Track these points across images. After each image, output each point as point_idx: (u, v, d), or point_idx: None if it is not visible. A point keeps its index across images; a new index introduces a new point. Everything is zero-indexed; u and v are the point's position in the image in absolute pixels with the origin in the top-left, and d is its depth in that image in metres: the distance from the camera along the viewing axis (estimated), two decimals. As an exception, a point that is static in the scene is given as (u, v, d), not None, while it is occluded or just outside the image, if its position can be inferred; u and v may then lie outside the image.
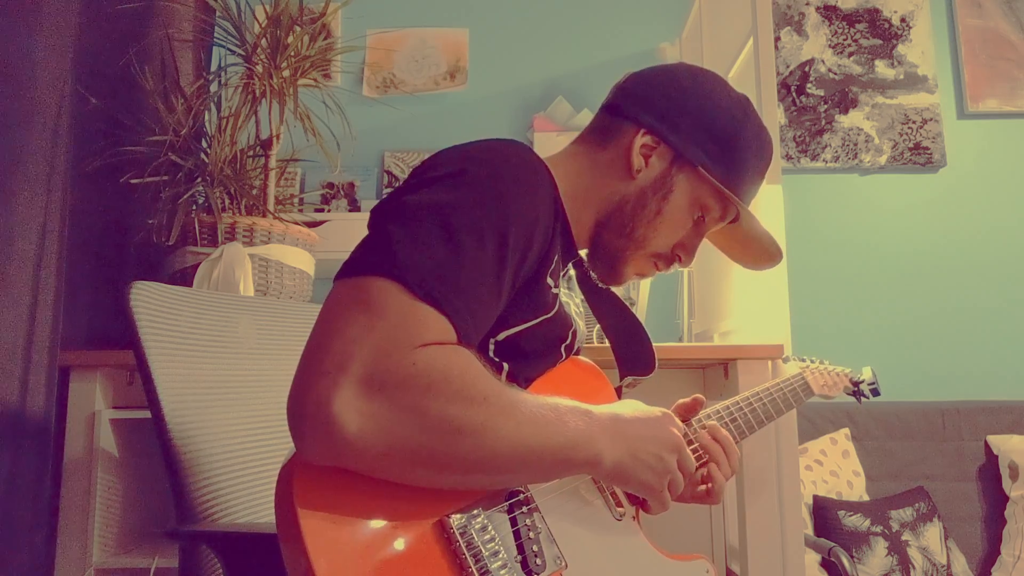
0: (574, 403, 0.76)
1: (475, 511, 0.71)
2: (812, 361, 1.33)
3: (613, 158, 0.92)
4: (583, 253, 0.99)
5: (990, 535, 2.31)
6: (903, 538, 2.13)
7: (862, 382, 1.39)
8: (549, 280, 0.84)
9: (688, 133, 0.91)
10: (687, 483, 0.87)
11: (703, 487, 0.94)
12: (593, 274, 0.99)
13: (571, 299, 1.01)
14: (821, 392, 1.27)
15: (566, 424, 0.73)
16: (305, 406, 0.62)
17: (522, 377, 0.85)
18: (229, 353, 1.07)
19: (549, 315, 0.84)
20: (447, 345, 0.68)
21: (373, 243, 0.72)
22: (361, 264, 0.69)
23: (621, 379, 1.05)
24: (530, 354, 0.85)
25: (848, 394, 1.38)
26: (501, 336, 0.81)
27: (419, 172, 0.79)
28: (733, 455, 0.95)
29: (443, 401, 0.64)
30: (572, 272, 1.04)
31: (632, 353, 1.05)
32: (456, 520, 0.69)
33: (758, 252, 1.02)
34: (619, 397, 0.99)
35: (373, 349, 0.63)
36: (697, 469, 0.93)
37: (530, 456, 0.70)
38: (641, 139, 0.91)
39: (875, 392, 1.39)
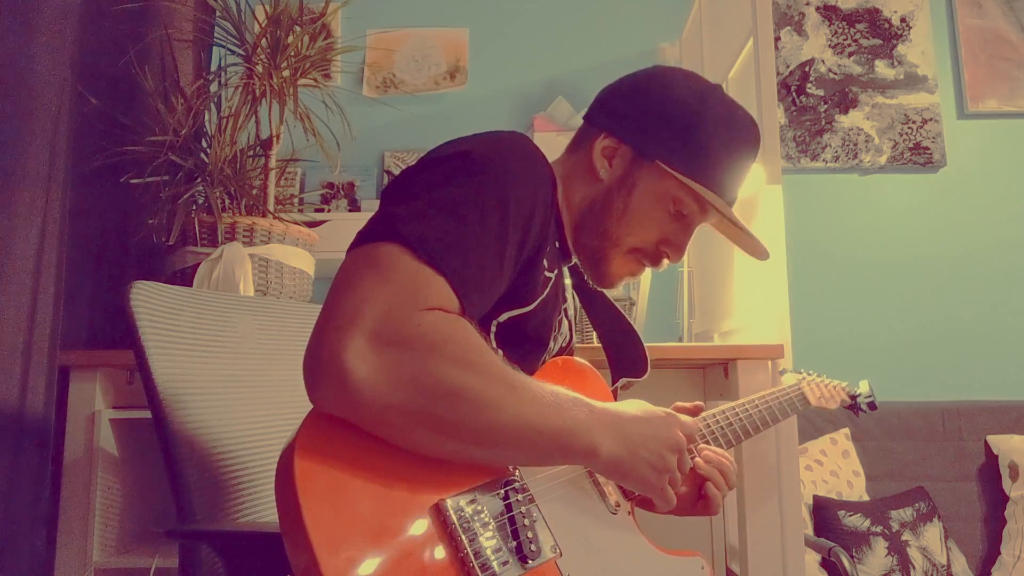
0: (575, 394, 0.78)
1: (471, 496, 0.72)
2: (809, 374, 1.34)
3: (582, 164, 0.97)
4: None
5: (990, 535, 2.30)
6: (903, 538, 2.13)
7: (859, 395, 1.41)
8: (545, 262, 0.86)
9: (645, 130, 0.94)
10: (685, 496, 0.90)
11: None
12: (588, 279, 1.01)
13: (568, 305, 1.02)
14: (818, 404, 1.30)
15: (566, 410, 0.75)
16: (320, 356, 0.66)
17: (519, 367, 0.85)
18: (229, 353, 1.07)
19: (543, 296, 0.87)
20: (450, 314, 0.71)
21: (382, 216, 0.75)
22: (370, 233, 0.73)
23: (614, 382, 1.06)
24: (528, 338, 0.86)
25: (845, 407, 1.39)
26: (503, 318, 0.83)
27: (424, 157, 0.82)
28: (728, 473, 0.96)
29: (444, 363, 0.67)
30: (568, 281, 1.05)
31: (625, 356, 1.08)
32: (452, 504, 0.70)
33: (749, 244, 1.03)
34: (615, 399, 1.00)
35: (382, 307, 0.67)
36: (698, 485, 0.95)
37: (528, 434, 0.72)
38: (602, 142, 0.95)
39: (872, 406, 1.41)
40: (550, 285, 0.89)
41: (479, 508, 0.72)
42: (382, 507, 0.66)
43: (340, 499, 0.63)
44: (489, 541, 0.70)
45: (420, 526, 0.67)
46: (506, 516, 0.74)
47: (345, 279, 0.70)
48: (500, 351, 0.83)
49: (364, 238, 0.73)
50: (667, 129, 0.93)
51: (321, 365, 0.65)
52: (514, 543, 0.73)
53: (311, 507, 0.61)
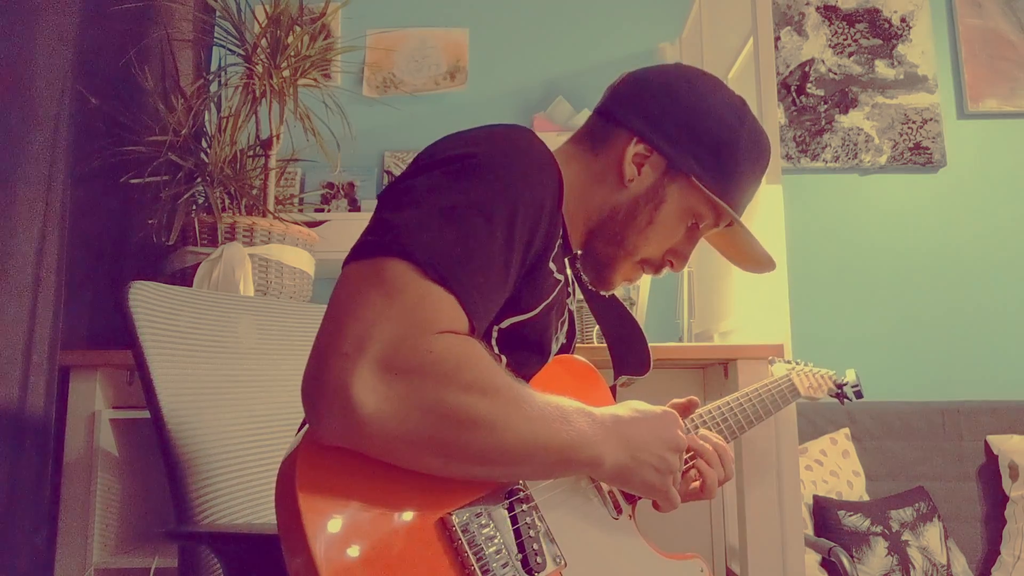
0: (577, 404, 0.76)
1: (476, 509, 0.71)
2: (798, 363, 1.34)
3: (606, 166, 0.92)
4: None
5: (990, 535, 2.30)
6: (903, 538, 2.13)
7: (845, 384, 1.42)
8: (552, 265, 0.83)
9: (682, 143, 0.90)
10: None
11: (695, 484, 0.94)
12: (585, 279, 0.99)
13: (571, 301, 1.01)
14: (807, 394, 1.30)
15: (570, 423, 0.73)
16: (324, 385, 0.62)
17: (519, 373, 0.84)
18: (229, 353, 1.07)
19: (548, 301, 0.84)
20: (461, 335, 0.68)
21: (383, 226, 0.71)
22: (372, 246, 0.69)
23: (616, 379, 1.05)
24: (531, 344, 0.84)
25: (832, 396, 1.40)
26: (505, 324, 0.81)
27: (424, 157, 0.78)
28: (726, 457, 0.95)
29: (458, 391, 0.65)
30: (569, 271, 1.04)
31: (628, 353, 1.06)
32: (457, 517, 0.69)
33: (751, 258, 1.02)
34: (614, 396, 0.99)
35: (391, 332, 0.63)
36: (688, 468, 0.93)
37: (535, 451, 0.70)
38: (634, 148, 0.90)
39: (858, 395, 1.42)
40: (558, 288, 0.86)
41: (484, 522, 0.71)
42: (386, 523, 0.65)
43: (343, 515, 0.62)
44: (496, 556, 0.69)
45: (425, 542, 0.66)
46: (511, 528, 0.73)
47: (348, 298, 0.66)
48: (503, 357, 0.82)
49: (365, 250, 0.69)
50: (704, 145, 0.90)
51: (325, 395, 0.62)
52: (520, 556, 0.72)
53: (314, 523, 0.60)
